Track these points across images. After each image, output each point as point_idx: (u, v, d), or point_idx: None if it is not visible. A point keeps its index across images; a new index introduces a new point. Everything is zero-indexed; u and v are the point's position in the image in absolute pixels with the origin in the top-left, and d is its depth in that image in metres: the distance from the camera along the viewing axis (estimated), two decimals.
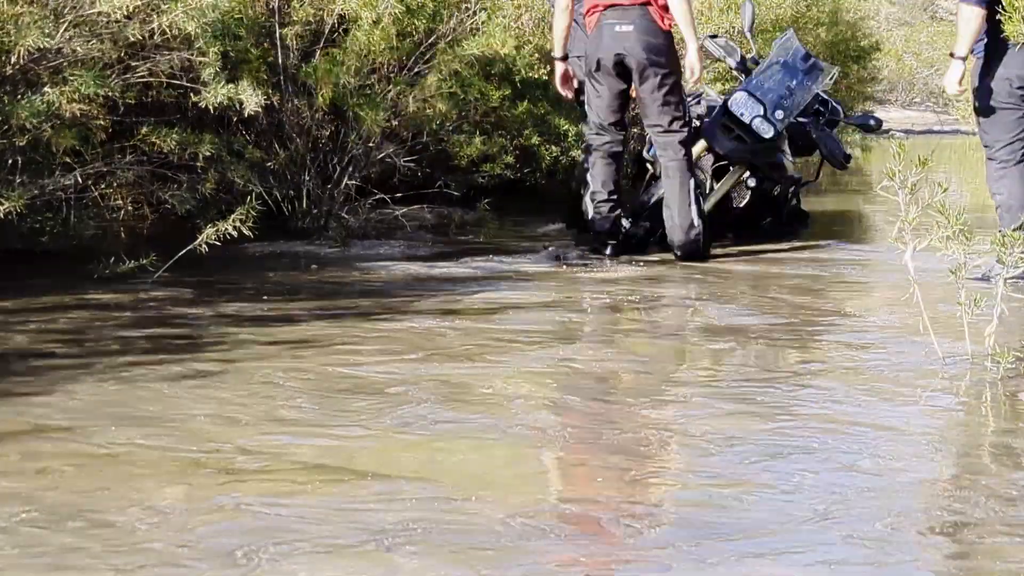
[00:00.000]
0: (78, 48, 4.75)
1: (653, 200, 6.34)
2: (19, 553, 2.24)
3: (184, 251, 5.00)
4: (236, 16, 5.76)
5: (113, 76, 5.03)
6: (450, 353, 3.89)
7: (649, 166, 6.70)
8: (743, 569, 2.23)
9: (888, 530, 2.42)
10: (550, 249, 6.16)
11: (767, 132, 6.36)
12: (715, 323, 4.59)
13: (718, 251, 6.46)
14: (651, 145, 6.41)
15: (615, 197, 6.10)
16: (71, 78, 4.65)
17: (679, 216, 5.96)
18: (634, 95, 6.16)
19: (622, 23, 5.93)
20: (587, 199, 6.17)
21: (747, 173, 6.52)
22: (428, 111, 6.43)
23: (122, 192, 5.67)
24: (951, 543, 2.38)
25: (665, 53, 5.96)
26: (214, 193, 5.61)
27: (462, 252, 6.09)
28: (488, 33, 6.38)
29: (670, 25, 5.96)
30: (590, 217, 6.14)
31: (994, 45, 5.40)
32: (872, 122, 7.12)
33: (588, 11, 6.03)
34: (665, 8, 5.92)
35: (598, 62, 5.98)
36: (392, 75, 6.43)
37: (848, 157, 6.98)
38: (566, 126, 7.73)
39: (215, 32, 5.17)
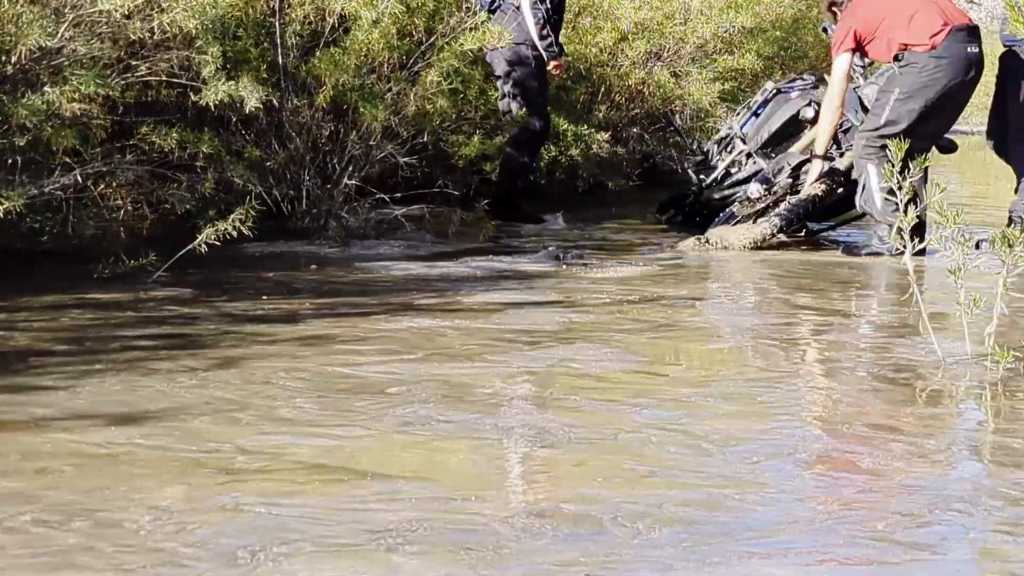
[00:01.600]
0: (79, 47, 4.75)
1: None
2: (18, 553, 2.24)
3: (184, 251, 5.00)
4: (236, 14, 5.76)
5: (113, 75, 5.03)
6: (450, 353, 3.89)
7: None
8: (744, 569, 2.23)
9: (888, 530, 2.42)
10: (550, 249, 6.17)
11: None
12: (715, 323, 4.59)
13: (717, 251, 6.46)
14: None
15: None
16: (71, 77, 4.65)
17: None
18: None
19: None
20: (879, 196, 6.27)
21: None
22: (429, 108, 6.44)
23: (122, 192, 5.66)
24: (952, 544, 2.38)
25: None
26: (214, 193, 5.60)
27: (462, 252, 6.09)
28: (486, 28, 6.38)
29: None
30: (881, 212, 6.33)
31: None
32: (946, 143, 7.07)
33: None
34: None
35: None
36: (392, 74, 6.44)
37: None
38: (565, 126, 7.74)
39: (214, 33, 5.17)
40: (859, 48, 6.35)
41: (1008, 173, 7.03)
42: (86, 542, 2.29)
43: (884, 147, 6.14)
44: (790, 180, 6.68)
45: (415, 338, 4.09)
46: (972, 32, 6.31)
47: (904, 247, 3.89)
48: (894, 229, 6.06)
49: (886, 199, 6.13)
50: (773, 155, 6.95)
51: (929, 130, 6.33)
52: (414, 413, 3.17)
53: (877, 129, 6.24)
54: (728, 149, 7.22)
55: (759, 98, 7.19)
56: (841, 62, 6.34)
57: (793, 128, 6.87)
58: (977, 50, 6.28)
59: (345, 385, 3.45)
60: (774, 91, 7.10)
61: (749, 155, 7.05)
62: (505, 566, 2.23)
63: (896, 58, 6.25)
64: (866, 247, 6.37)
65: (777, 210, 6.58)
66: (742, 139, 7.11)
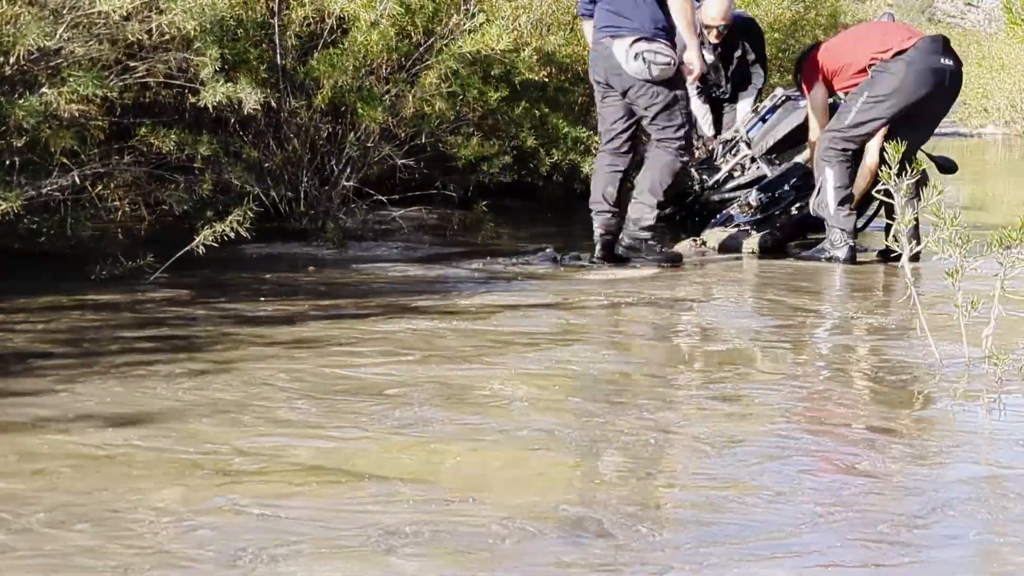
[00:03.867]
0: (77, 48, 4.74)
1: None
2: (17, 554, 2.23)
3: (182, 252, 5.00)
4: (235, 15, 5.76)
5: (111, 76, 5.03)
6: (448, 354, 3.89)
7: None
8: (742, 571, 2.23)
9: (887, 532, 2.42)
10: (548, 251, 6.17)
11: None
12: (713, 324, 4.59)
13: (714, 253, 6.47)
14: None
15: None
16: (69, 78, 4.65)
17: None
18: None
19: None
20: (833, 200, 6.16)
21: None
22: (427, 109, 6.43)
23: (119, 193, 5.66)
24: (950, 546, 2.38)
25: None
26: (211, 194, 5.61)
27: (460, 254, 6.09)
28: (484, 31, 6.38)
29: None
30: None
31: None
32: (946, 163, 6.97)
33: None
34: None
35: None
36: (391, 75, 6.44)
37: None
38: (565, 128, 7.73)
39: (213, 34, 5.17)
40: (828, 85, 6.32)
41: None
42: (84, 543, 2.28)
43: (845, 150, 6.11)
44: (793, 193, 6.68)
45: (413, 340, 4.09)
46: (945, 45, 6.16)
47: (900, 250, 3.89)
48: (843, 234, 6.01)
49: (839, 205, 6.04)
50: (777, 162, 6.95)
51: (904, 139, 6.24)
52: (412, 415, 3.17)
53: (841, 130, 6.14)
54: (733, 152, 7.22)
55: (767, 104, 7.19)
56: (816, 93, 6.33)
57: (799, 136, 6.86)
58: (950, 63, 6.13)
59: (343, 387, 3.45)
60: (783, 98, 7.09)
61: (753, 160, 7.06)
62: (504, 568, 2.23)
63: (869, 67, 6.15)
64: (822, 251, 6.15)
65: (778, 222, 6.58)
66: (747, 143, 7.11)
